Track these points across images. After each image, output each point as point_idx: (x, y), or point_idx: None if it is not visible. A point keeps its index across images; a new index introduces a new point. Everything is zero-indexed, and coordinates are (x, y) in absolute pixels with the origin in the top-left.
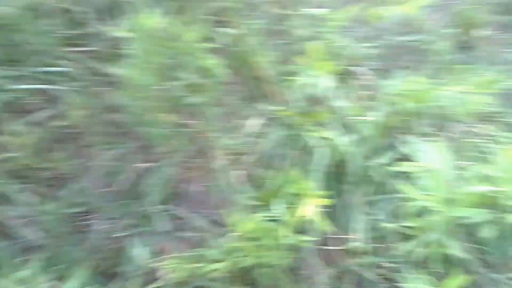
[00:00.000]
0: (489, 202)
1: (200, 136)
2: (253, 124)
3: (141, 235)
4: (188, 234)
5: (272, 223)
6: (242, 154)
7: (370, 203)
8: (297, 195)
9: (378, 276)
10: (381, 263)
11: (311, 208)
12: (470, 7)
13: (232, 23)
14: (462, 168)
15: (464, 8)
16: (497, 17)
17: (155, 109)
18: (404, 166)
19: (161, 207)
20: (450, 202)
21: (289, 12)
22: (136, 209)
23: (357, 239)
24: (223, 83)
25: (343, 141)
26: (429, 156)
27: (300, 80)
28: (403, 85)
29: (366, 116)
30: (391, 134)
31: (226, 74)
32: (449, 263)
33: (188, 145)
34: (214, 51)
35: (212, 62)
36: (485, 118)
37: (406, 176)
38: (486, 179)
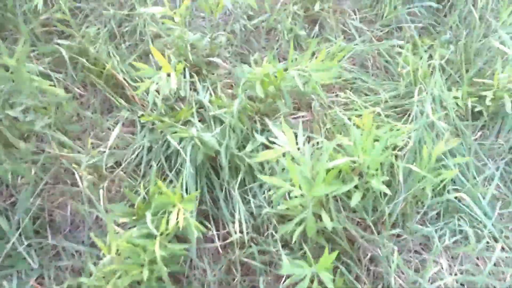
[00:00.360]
0: (350, 172)
1: (59, 159)
2: (116, 135)
3: (14, 275)
4: (66, 263)
5: (146, 238)
6: (108, 169)
7: (246, 193)
8: (169, 203)
9: (262, 264)
10: (264, 250)
11: (184, 212)
12: None
13: (70, 33)
14: (321, 143)
15: None
16: None
17: None
18: (265, 153)
19: (32, 240)
20: (311, 181)
21: (127, 12)
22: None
23: (240, 230)
24: (74, 98)
25: (209, 136)
26: (287, 139)
27: (153, 81)
28: (259, 69)
29: (228, 106)
30: (254, 121)
31: (75, 88)
32: (327, 237)
33: (47, 172)
34: (56, 65)
35: (47, 81)
36: (342, 87)
37: (271, 162)
38: (344, 150)
